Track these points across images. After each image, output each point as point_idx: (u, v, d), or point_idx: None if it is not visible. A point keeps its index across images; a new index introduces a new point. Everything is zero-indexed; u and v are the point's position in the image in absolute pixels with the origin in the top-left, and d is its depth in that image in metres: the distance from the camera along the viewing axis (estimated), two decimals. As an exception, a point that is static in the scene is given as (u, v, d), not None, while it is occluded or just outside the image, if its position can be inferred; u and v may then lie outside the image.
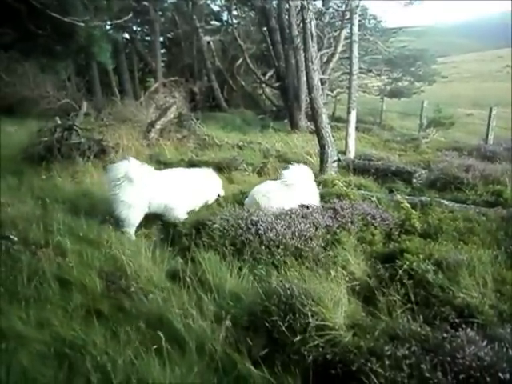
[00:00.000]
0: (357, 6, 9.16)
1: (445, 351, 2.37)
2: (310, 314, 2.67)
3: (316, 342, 2.57)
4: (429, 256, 3.69)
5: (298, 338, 2.60)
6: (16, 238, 4.25)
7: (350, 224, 4.53)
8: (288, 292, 2.88)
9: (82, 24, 4.58)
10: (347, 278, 3.45)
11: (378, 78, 20.70)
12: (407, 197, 5.71)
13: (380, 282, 3.49)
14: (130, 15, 8.67)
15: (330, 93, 18.90)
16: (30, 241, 4.18)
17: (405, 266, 3.50)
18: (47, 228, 4.45)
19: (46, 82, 13.84)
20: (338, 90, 20.13)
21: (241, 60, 19.87)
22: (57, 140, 7.55)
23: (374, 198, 5.56)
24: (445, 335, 2.50)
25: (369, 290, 3.41)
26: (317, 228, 4.33)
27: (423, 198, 5.74)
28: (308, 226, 4.26)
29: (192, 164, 8.07)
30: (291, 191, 5.04)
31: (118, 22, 7.38)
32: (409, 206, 4.94)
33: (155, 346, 2.60)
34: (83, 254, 3.94)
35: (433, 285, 3.29)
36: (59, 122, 8.74)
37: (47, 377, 2.55)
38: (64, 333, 2.91)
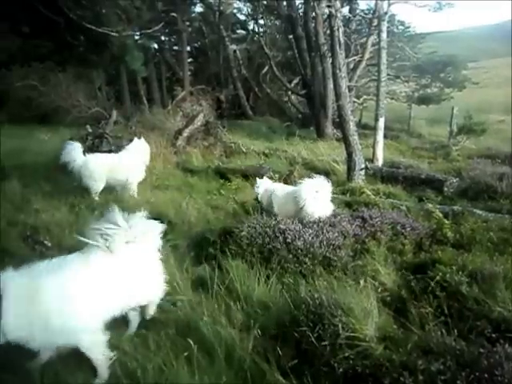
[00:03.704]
0: (385, 13, 9.07)
1: (482, 367, 2.28)
2: (340, 324, 2.63)
3: (346, 354, 2.52)
4: (462, 267, 3.57)
5: (328, 349, 2.56)
6: (50, 244, 4.38)
7: (379, 233, 4.45)
8: (317, 302, 2.84)
9: (116, 34, 4.73)
10: (377, 289, 3.38)
11: (405, 84, 20.39)
12: (438, 206, 5.57)
13: (411, 293, 3.41)
14: (161, 25, 8.89)
15: (356, 100, 18.73)
16: (63, 246, 4.28)
17: (437, 278, 3.40)
18: (80, 234, 4.55)
19: (77, 91, 14.33)
20: (365, 96, 19.93)
21: (266, 68, 19.99)
22: (88, 148, 7.75)
23: (403, 207, 5.46)
24: (481, 350, 2.40)
25: (400, 301, 3.32)
26: (345, 237, 4.28)
27: (455, 207, 5.59)
28: (336, 234, 4.20)
29: (219, 171, 8.15)
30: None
31: (149, 31, 7.57)
32: (441, 215, 4.82)
33: (185, 354, 2.60)
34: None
35: (467, 297, 3.17)
36: (90, 130, 9.00)
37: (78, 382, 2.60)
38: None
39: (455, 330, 2.73)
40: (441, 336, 2.66)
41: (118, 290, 2.79)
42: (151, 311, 3.16)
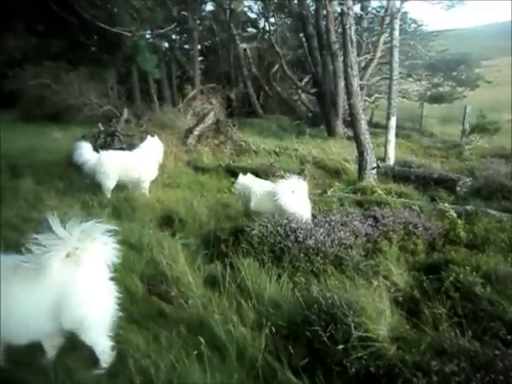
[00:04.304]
0: (398, 11, 8.99)
1: (497, 369, 2.25)
2: (352, 324, 2.62)
3: (359, 354, 2.51)
4: (476, 268, 3.53)
5: (340, 348, 2.55)
6: (62, 240, 4.41)
7: (391, 233, 4.43)
8: (329, 301, 2.83)
9: (129, 34, 4.77)
10: (390, 289, 3.35)
11: (417, 83, 20.18)
12: (451, 206, 5.51)
13: (424, 293, 3.38)
14: (174, 25, 8.93)
15: (367, 98, 18.61)
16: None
17: (451, 278, 3.37)
18: (92, 231, 4.59)
19: (89, 89, 14.44)
20: (376, 95, 19.78)
21: (277, 66, 19.95)
22: (100, 145, 7.80)
23: (415, 207, 5.42)
24: (496, 352, 2.38)
25: (412, 301, 3.30)
26: (357, 236, 4.26)
27: (468, 207, 5.53)
28: (348, 234, 4.19)
29: (229, 170, 8.15)
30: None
31: (161, 31, 7.61)
32: (454, 214, 4.77)
33: (196, 352, 2.61)
34: (125, 257, 4.03)
35: (481, 298, 3.14)
36: (102, 128, 9.06)
37: (91, 377, 2.62)
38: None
39: (469, 332, 2.69)
40: (455, 337, 2.64)
41: (38, 310, 2.46)
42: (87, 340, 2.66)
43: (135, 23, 4.43)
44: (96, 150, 6.50)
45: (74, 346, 2.76)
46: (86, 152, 6.19)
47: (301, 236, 4.04)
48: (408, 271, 3.79)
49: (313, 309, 2.83)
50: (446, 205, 5.27)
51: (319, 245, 3.95)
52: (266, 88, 20.73)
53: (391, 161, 9.32)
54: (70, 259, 2.54)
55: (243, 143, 10.57)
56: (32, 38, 9.68)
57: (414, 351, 2.53)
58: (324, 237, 4.06)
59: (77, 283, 2.56)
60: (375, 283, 3.34)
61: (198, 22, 19.96)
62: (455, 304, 3.11)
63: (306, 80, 20.07)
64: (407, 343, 2.67)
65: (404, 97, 19.34)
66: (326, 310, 2.77)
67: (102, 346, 2.69)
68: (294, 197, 4.85)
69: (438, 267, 3.74)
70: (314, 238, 4.02)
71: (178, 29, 19.25)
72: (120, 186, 6.36)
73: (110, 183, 6.16)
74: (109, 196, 6.14)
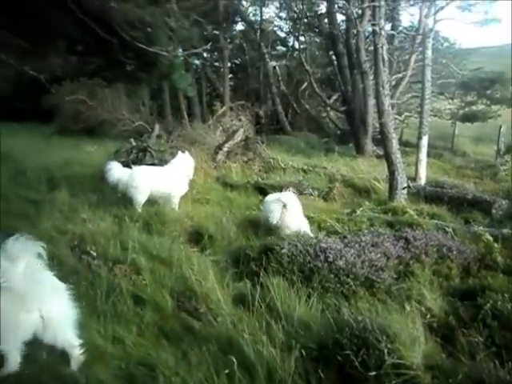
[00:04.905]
0: (430, 30, 8.93)
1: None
2: (385, 350, 2.55)
3: (393, 382, 2.44)
4: (515, 295, 3.40)
5: (373, 375, 2.49)
6: (95, 254, 4.52)
7: (423, 256, 4.32)
8: (361, 325, 2.77)
9: (166, 53, 4.95)
10: (423, 314, 3.26)
11: (450, 101, 19.83)
12: (486, 228, 5.34)
13: (459, 320, 3.27)
14: (209, 45, 9.17)
15: (397, 117, 18.41)
16: (107, 257, 4.40)
17: (488, 305, 3.25)
18: (123, 245, 4.69)
19: (122, 105, 14.89)
20: (406, 113, 19.54)
21: (305, 84, 20.06)
22: (133, 161, 7.99)
23: (449, 229, 5.27)
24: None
25: (447, 328, 3.20)
26: (388, 258, 4.18)
27: (505, 231, 5.33)
28: (379, 255, 4.12)
29: (258, 187, 8.18)
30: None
31: (196, 51, 7.85)
32: (489, 238, 4.62)
33: (226, 371, 2.60)
34: (156, 272, 4.09)
35: (521, 328, 3.01)
36: (134, 143, 9.29)
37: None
38: (137, 350, 3.01)
39: (509, 363, 2.58)
40: (493, 368, 2.53)
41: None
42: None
43: (172, 43, 4.60)
44: (128, 165, 6.65)
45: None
46: (117, 171, 6.33)
47: (331, 256, 3.99)
48: (442, 296, 3.68)
49: (344, 332, 2.78)
50: (481, 228, 5.12)
51: (349, 266, 3.89)
52: (295, 105, 20.84)
53: (422, 181, 9.15)
54: None
55: (272, 160, 10.59)
56: (73, 56, 10.16)
57: (451, 381, 2.45)
58: (354, 258, 4.00)
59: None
60: (408, 308, 3.26)
61: (229, 40, 20.37)
62: (493, 333, 3.00)
63: (334, 98, 20.08)
64: (443, 372, 2.58)
65: (435, 115, 19.02)
66: (358, 334, 2.71)
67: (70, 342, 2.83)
68: (284, 212, 4.97)
69: (473, 293, 3.63)
70: (344, 258, 3.97)
71: (209, 47, 19.71)
72: (151, 201, 6.47)
73: (141, 198, 6.27)
74: (140, 210, 6.24)
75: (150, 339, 3.16)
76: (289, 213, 5.08)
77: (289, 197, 5.31)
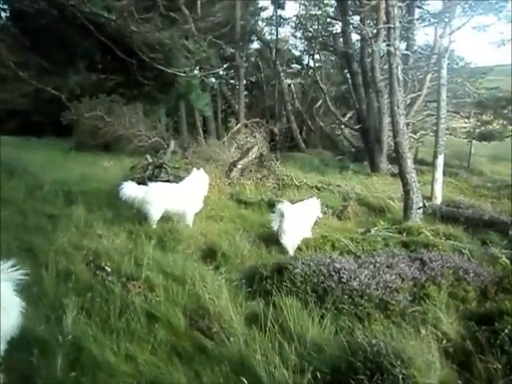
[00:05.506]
0: (446, 50, 8.95)
1: None
2: (400, 376, 2.50)
3: (408, 409, 2.39)
4: (534, 321, 3.31)
5: (387, 401, 2.44)
6: (110, 270, 4.56)
7: (439, 278, 4.24)
8: (375, 349, 2.74)
9: (183, 74, 5.06)
10: (439, 339, 3.19)
11: (465, 120, 19.68)
12: (504, 251, 5.24)
13: (476, 345, 3.18)
14: (226, 65, 9.36)
15: (412, 135, 18.32)
16: (121, 273, 4.44)
17: (506, 331, 3.17)
18: (137, 261, 4.72)
19: (139, 121, 15.15)
20: (422, 132, 19.44)
21: (320, 101, 20.19)
22: (148, 177, 8.09)
23: (465, 251, 5.18)
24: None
25: (464, 353, 3.12)
26: (403, 280, 4.12)
27: (523, 253, 5.23)
28: (394, 277, 4.07)
29: (271, 204, 8.17)
30: None
31: (213, 72, 8.00)
32: (507, 261, 4.53)
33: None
34: (169, 289, 4.10)
35: (541, 355, 2.93)
36: (149, 159, 9.41)
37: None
38: (149, 368, 3.01)
39: (529, 392, 2.51)
40: (512, 397, 2.46)
41: None
42: None
43: (189, 64, 4.70)
44: (144, 182, 6.73)
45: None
46: (130, 190, 6.41)
47: (344, 277, 3.97)
48: (458, 320, 3.60)
49: (357, 355, 2.74)
50: (498, 249, 5.03)
51: (363, 287, 3.85)
52: (309, 123, 20.96)
53: (438, 200, 9.04)
54: None
55: (286, 177, 10.60)
56: (92, 75, 10.51)
57: (468, 410, 2.39)
58: (369, 279, 3.96)
59: None
60: (423, 331, 3.20)
61: (245, 58, 20.68)
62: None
63: (349, 115, 20.14)
64: (459, 400, 2.52)
65: (451, 134, 18.86)
66: (372, 358, 2.68)
67: None
68: (282, 221, 5.41)
69: (491, 317, 3.53)
70: (358, 279, 3.93)
71: (225, 65, 20.05)
72: (165, 217, 6.52)
73: (156, 214, 6.33)
74: (154, 227, 6.30)
75: (162, 358, 3.15)
76: (285, 221, 5.53)
77: (286, 206, 5.78)
